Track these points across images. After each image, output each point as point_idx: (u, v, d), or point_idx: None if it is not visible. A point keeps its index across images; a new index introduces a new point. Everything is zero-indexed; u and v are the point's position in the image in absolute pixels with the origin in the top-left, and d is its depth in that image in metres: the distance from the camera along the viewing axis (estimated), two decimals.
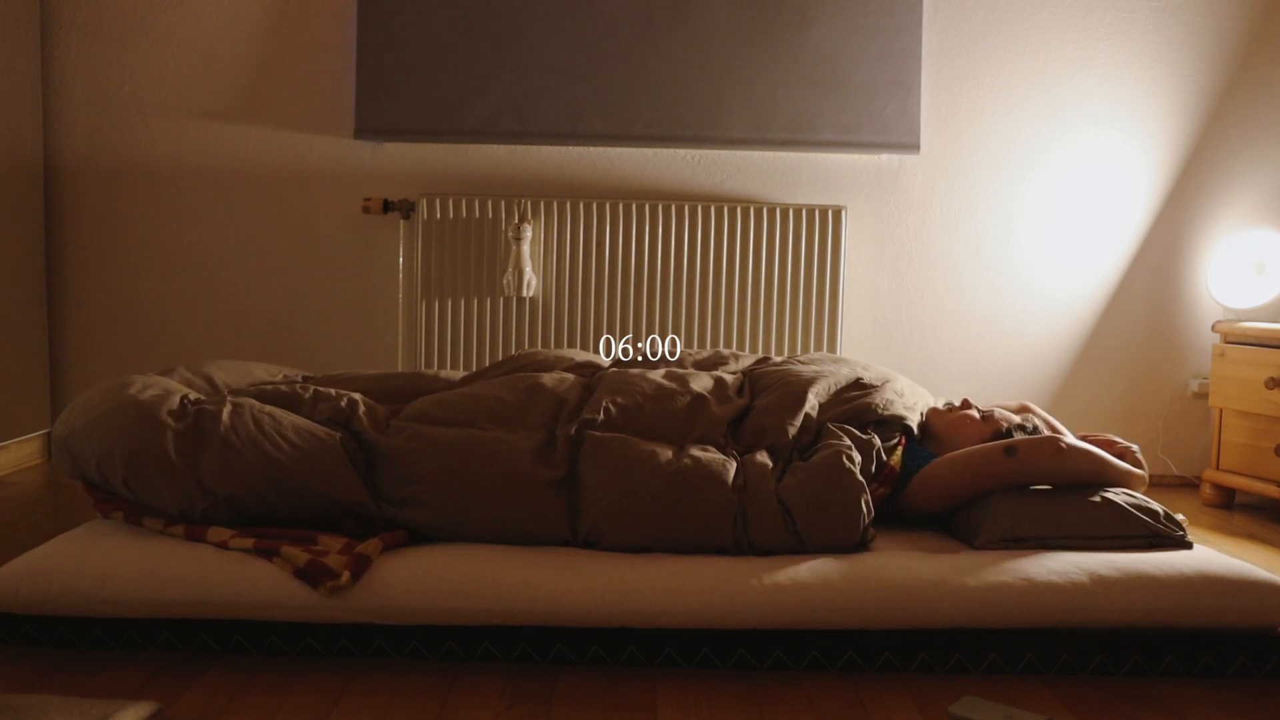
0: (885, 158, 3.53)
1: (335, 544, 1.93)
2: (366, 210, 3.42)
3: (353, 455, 2.09)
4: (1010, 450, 2.13)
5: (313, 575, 1.83)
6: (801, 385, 2.37)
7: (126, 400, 2.09)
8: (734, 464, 2.11)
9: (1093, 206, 3.53)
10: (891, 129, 3.43)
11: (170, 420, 2.04)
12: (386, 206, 3.42)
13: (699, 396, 2.32)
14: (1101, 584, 1.88)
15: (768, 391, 2.39)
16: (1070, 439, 2.19)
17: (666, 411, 2.27)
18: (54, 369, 3.53)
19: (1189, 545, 2.07)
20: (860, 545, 2.05)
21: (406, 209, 3.41)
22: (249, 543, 1.92)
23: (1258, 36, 3.49)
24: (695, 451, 2.13)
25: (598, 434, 2.14)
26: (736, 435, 2.29)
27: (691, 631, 1.85)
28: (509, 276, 3.32)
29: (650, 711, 1.68)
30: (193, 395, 2.22)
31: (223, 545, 1.94)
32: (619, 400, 2.26)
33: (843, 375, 2.46)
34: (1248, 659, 1.87)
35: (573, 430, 2.16)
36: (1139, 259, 3.55)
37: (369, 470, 2.10)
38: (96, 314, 3.53)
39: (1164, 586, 1.89)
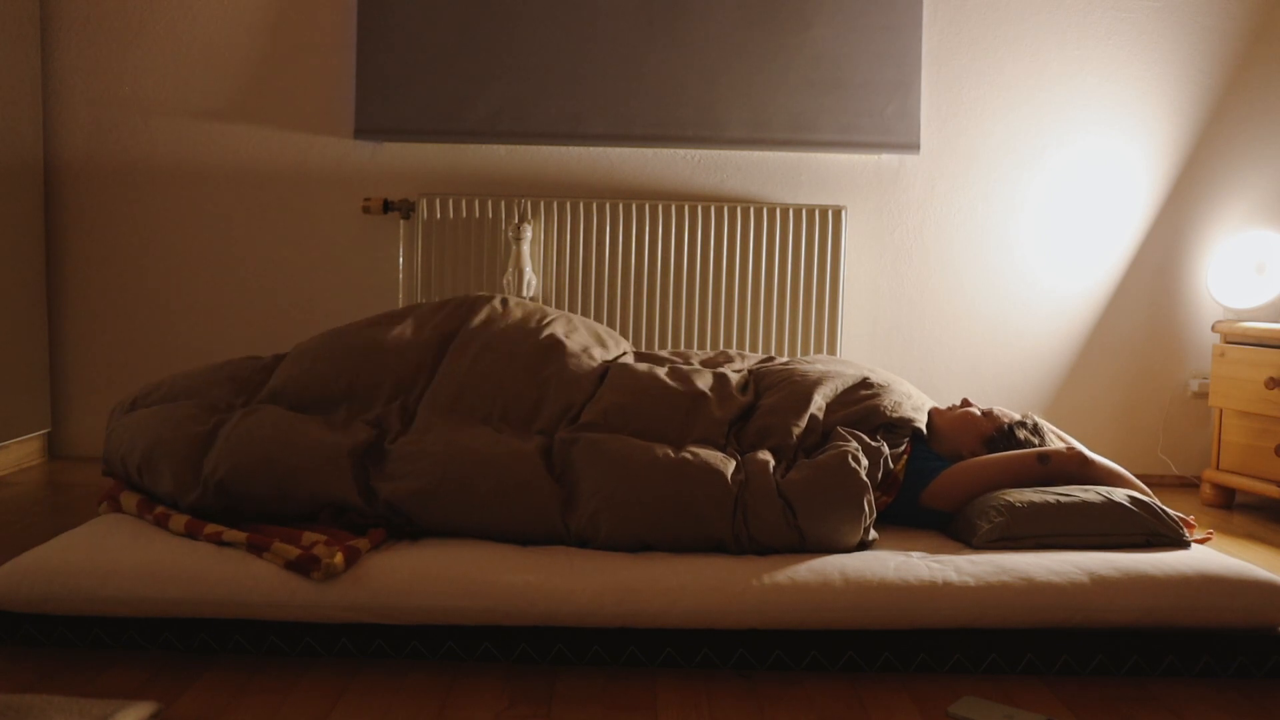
0: (885, 158, 3.52)
1: (322, 538, 1.96)
2: (366, 210, 3.42)
3: (351, 449, 2.13)
4: (1044, 459, 2.22)
5: (303, 565, 1.86)
6: (808, 386, 2.37)
7: (163, 412, 2.31)
8: (733, 461, 2.11)
9: (1093, 206, 3.53)
10: (891, 129, 3.42)
11: (191, 424, 2.23)
12: (386, 206, 3.42)
13: (700, 395, 2.32)
14: (1101, 584, 1.88)
15: (773, 391, 2.39)
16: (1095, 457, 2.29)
17: (666, 411, 2.27)
18: (54, 369, 3.52)
19: (1186, 544, 2.08)
20: (861, 545, 2.05)
21: (406, 209, 3.41)
22: (242, 536, 1.95)
23: (1258, 36, 3.49)
24: (694, 448, 2.14)
25: (594, 435, 2.15)
26: (740, 435, 2.29)
27: (691, 631, 1.85)
28: (509, 276, 3.32)
29: (650, 711, 1.68)
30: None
31: (216, 536, 1.97)
32: (618, 401, 2.27)
33: (849, 375, 2.46)
34: (1248, 659, 1.87)
35: (570, 432, 2.18)
36: (1139, 259, 3.55)
37: (378, 457, 2.15)
38: (96, 314, 3.52)
39: (1164, 586, 1.89)
